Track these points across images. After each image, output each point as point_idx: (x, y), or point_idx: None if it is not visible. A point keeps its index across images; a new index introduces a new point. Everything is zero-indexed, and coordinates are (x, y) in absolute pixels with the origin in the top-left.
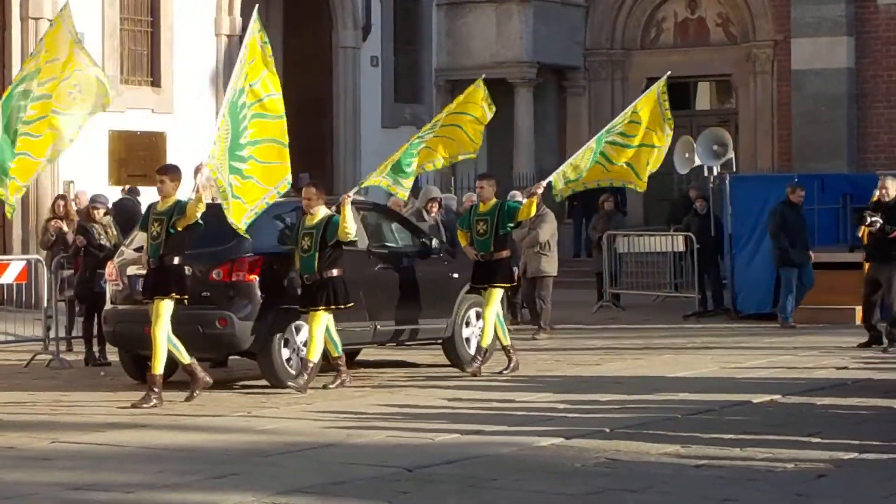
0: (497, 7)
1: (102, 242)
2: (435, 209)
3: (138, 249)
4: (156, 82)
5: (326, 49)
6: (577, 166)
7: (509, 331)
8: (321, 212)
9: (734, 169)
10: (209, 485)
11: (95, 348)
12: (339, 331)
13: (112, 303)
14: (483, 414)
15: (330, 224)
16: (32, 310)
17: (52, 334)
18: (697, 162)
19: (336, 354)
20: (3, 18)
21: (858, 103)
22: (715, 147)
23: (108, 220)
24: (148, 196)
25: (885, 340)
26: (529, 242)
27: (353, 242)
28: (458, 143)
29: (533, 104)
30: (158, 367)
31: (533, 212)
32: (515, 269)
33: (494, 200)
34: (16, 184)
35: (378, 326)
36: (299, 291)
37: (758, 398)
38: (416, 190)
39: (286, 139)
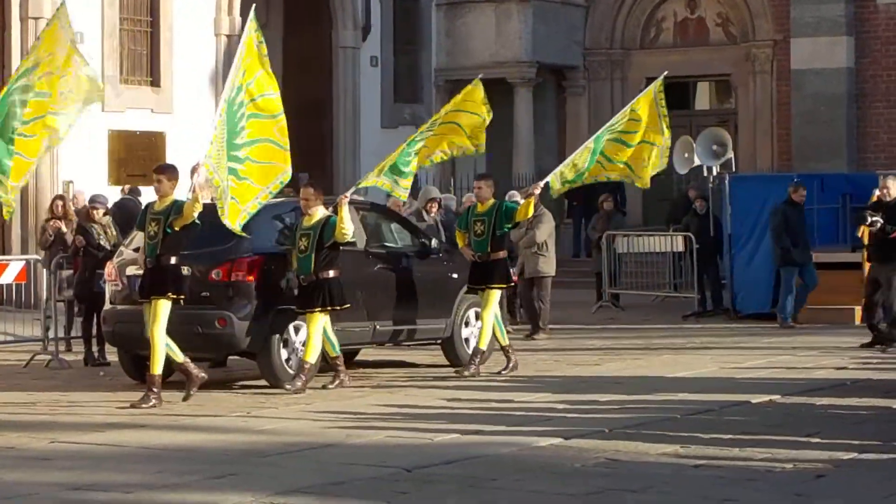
0: (496, 7)
1: (101, 242)
2: (434, 209)
3: (137, 250)
4: (155, 82)
5: (326, 49)
6: (576, 165)
7: (508, 332)
8: (319, 212)
9: (733, 169)
10: (208, 485)
11: (94, 348)
12: (337, 331)
13: (111, 303)
14: (482, 414)
15: (327, 225)
16: (31, 310)
17: (51, 334)
18: (697, 162)
19: (334, 354)
20: (3, 18)
21: (858, 103)
22: (714, 147)
23: (108, 220)
24: (148, 196)
25: (882, 344)
26: (527, 243)
27: (352, 243)
28: (457, 142)
29: (532, 104)
30: (157, 367)
31: (531, 212)
32: (512, 270)
33: (492, 201)
34: (9, 184)
35: (377, 326)
36: (296, 292)
37: (757, 398)
38: (415, 190)
39: (284, 139)
